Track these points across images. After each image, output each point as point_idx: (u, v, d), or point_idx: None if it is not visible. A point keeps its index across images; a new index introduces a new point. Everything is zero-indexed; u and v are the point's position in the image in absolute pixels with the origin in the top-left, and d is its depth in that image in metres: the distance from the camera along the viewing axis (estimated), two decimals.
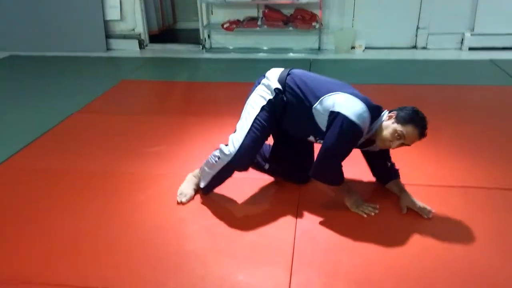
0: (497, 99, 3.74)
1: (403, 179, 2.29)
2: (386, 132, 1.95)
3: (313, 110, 2.03)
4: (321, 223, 2.11)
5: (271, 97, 2.10)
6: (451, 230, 2.04)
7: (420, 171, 2.56)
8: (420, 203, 2.14)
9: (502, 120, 3.28)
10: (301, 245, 1.95)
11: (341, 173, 2.07)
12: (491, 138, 2.98)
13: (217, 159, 2.14)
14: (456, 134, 3.03)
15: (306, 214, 2.17)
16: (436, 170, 2.58)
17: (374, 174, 2.35)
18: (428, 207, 2.12)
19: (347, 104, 1.94)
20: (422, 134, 1.95)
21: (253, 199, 2.32)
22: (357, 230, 2.05)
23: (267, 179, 2.45)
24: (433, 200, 2.24)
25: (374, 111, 1.99)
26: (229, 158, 2.07)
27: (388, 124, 1.96)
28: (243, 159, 2.08)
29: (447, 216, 2.13)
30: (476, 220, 2.10)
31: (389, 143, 1.97)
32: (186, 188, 2.32)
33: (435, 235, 1.99)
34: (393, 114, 1.98)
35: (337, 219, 2.13)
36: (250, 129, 2.06)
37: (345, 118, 1.91)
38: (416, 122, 1.93)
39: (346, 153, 2.01)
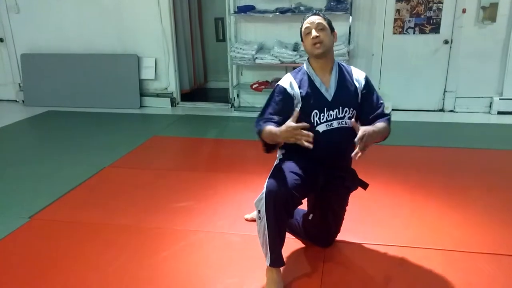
0: None
1: (431, 244, 2.22)
2: (304, 44, 2.15)
3: None
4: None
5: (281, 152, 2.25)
6: None
7: (448, 236, 2.49)
8: (365, 137, 1.84)
9: None
10: None
11: (260, 127, 2.09)
12: None
13: (258, 218, 2.00)
14: (484, 199, 2.96)
15: (331, 279, 2.13)
16: (465, 235, 2.51)
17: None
18: (361, 146, 1.82)
19: None
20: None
21: None
22: None
23: (292, 240, 2.44)
24: (461, 266, 2.17)
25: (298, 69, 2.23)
26: (263, 196, 1.94)
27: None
28: (273, 184, 1.93)
29: (477, 284, 2.05)
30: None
31: (308, 41, 2.10)
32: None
33: None
34: None
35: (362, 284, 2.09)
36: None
37: None
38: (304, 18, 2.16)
39: (268, 106, 2.15)
